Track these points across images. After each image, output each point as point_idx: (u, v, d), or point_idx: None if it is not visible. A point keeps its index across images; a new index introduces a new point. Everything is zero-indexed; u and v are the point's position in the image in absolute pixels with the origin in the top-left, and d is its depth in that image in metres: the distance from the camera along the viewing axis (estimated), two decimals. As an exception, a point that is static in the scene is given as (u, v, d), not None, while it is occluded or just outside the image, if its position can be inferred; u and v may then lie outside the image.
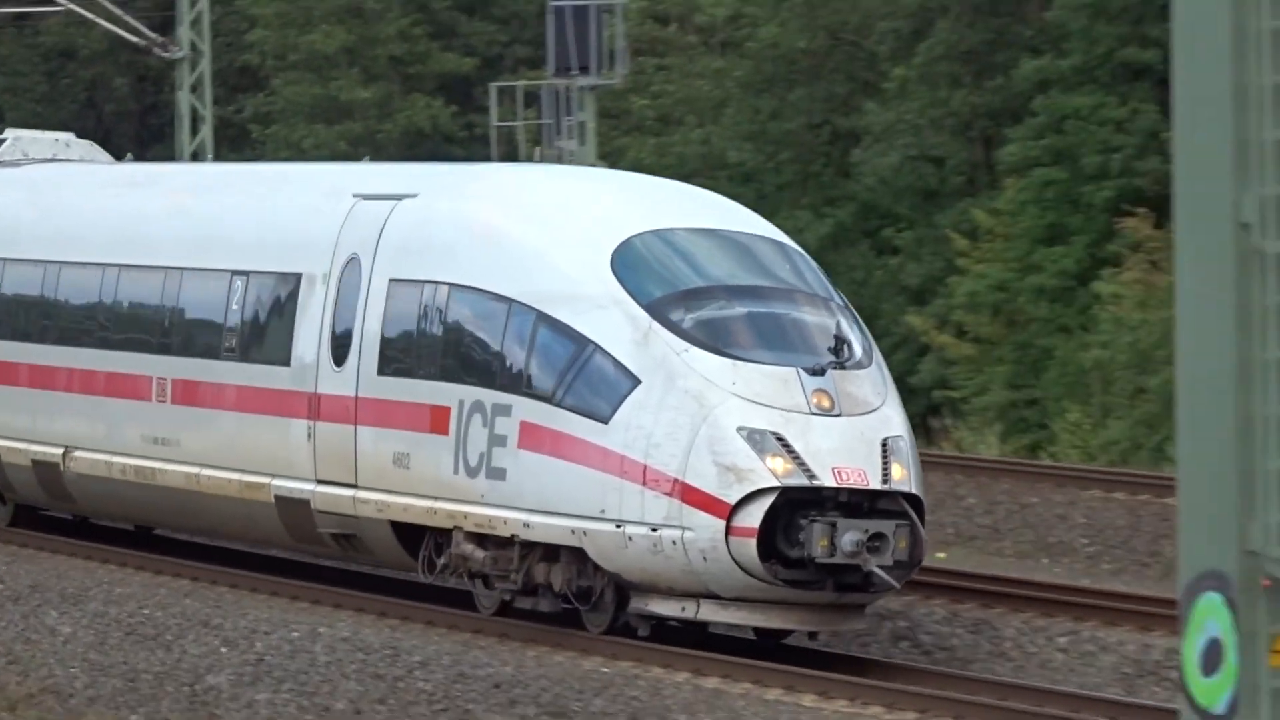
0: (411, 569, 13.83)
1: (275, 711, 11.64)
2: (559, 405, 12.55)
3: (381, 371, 13.56)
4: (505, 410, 12.65)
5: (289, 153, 42.46)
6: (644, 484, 12.08)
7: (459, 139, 46.37)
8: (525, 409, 12.59)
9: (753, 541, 11.88)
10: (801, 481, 12.01)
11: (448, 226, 14.05)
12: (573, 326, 12.78)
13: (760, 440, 12.12)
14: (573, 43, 32.00)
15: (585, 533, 12.33)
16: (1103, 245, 34.84)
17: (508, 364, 12.88)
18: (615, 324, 12.71)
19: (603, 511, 12.21)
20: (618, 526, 12.18)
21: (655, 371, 12.47)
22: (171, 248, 15.15)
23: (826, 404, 12.40)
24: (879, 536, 11.81)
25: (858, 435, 12.37)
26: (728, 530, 11.88)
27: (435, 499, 13.17)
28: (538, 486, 12.58)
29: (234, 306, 14.55)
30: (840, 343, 12.93)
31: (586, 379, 12.61)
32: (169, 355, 14.92)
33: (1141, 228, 32.63)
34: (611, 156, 37.36)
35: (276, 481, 14.09)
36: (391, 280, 13.71)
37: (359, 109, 46.01)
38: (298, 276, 14.17)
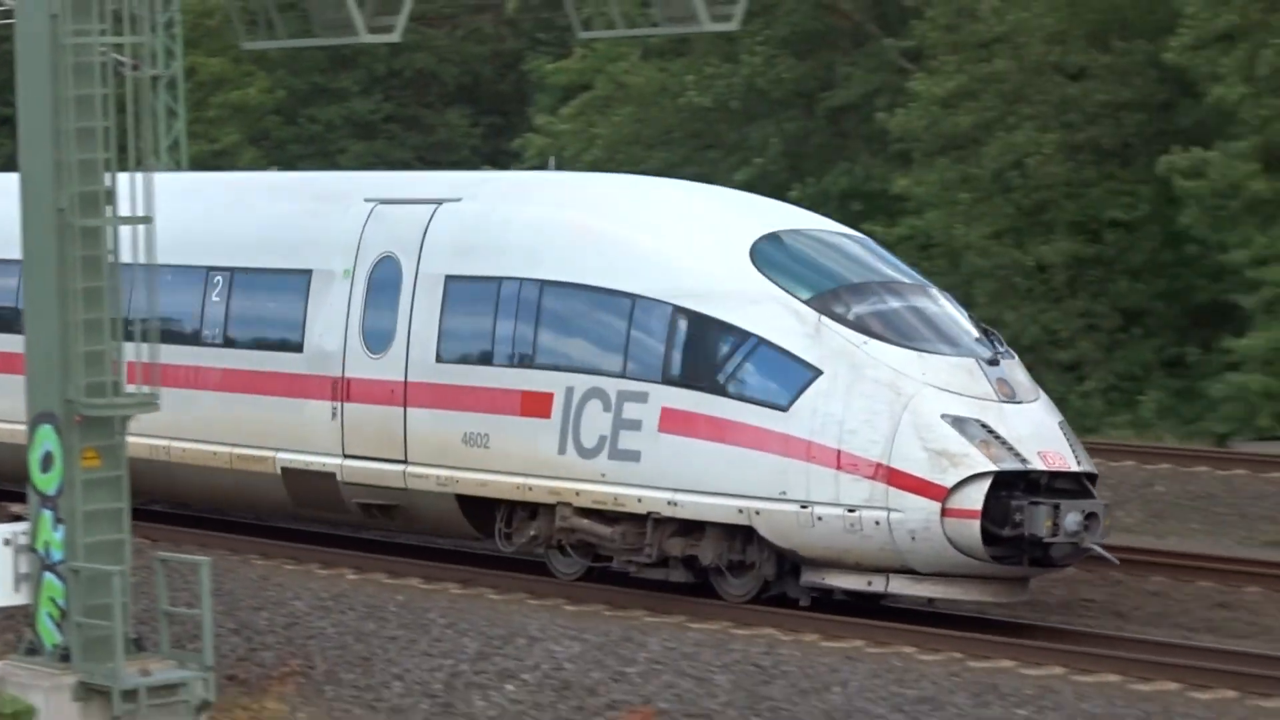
0: (469, 537, 15.28)
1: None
2: (717, 393, 13.45)
3: (442, 359, 14.74)
4: (640, 397, 13.66)
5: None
6: (838, 468, 13.02)
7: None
8: (668, 396, 13.57)
9: (975, 523, 12.82)
10: (1014, 465, 12.99)
11: (526, 228, 15.01)
12: (727, 321, 13.70)
13: (965, 427, 13.09)
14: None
15: (758, 512, 13.22)
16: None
17: (639, 354, 13.86)
18: (777, 318, 13.61)
19: (783, 493, 13.12)
20: (803, 507, 13.07)
21: (837, 362, 13.36)
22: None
23: (1008, 392, 13.57)
24: (1092, 515, 13.05)
25: (1041, 420, 13.60)
26: (943, 512, 12.81)
27: (528, 476, 14.15)
28: (687, 468, 13.50)
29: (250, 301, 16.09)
30: (989, 334, 14.40)
31: (753, 369, 13.57)
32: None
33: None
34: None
35: (288, 455, 15.50)
36: (449, 276, 14.83)
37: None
38: (308, 275, 15.46)
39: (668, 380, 13.79)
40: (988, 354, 13.89)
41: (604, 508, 13.91)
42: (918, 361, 13.56)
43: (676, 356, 13.84)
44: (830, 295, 13.99)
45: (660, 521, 13.71)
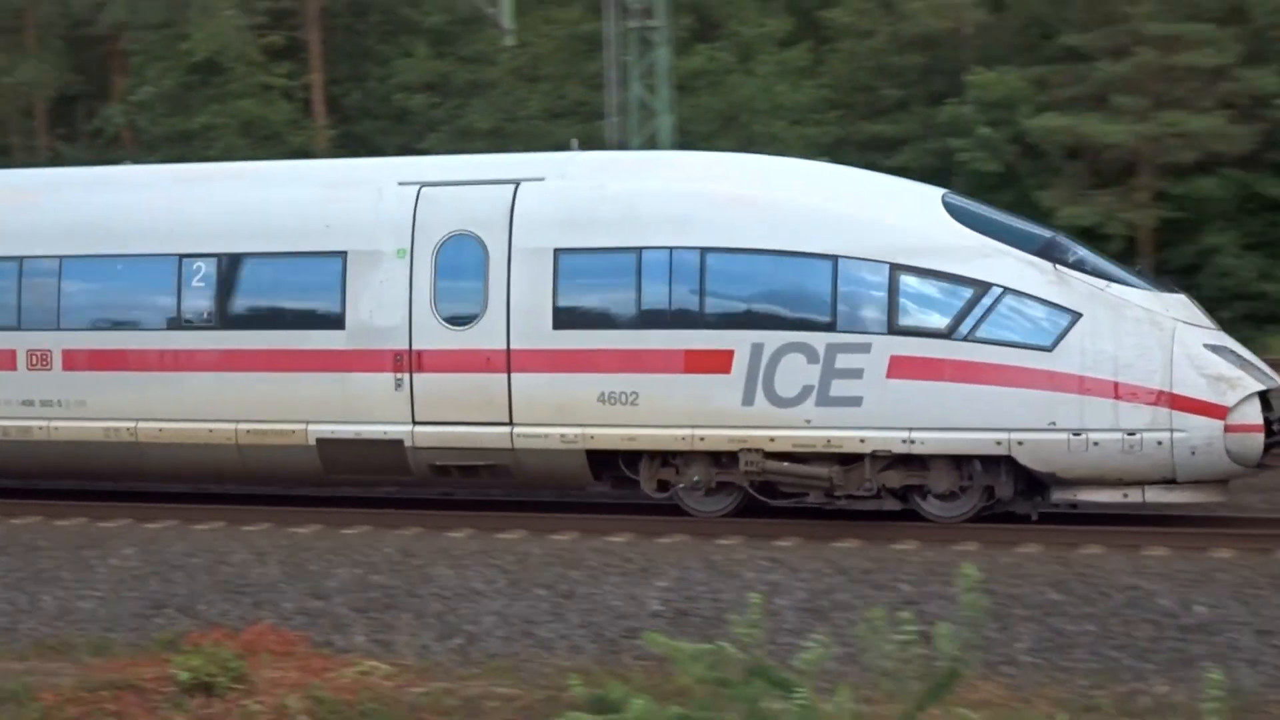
0: (581, 487, 16.72)
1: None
2: (963, 339, 14.77)
3: (562, 326, 15.64)
4: (861, 348, 14.89)
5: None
6: (1116, 397, 14.53)
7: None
8: (897, 345, 14.83)
9: (1259, 436, 14.41)
10: (1269, 384, 14.70)
11: (667, 200, 15.82)
12: (961, 274, 14.89)
13: (1223, 353, 14.71)
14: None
15: (1020, 442, 14.63)
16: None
17: (852, 309, 15.04)
18: (1014, 269, 14.86)
19: (1052, 423, 14.57)
20: (1075, 435, 14.56)
21: (1092, 304, 14.70)
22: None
23: (1212, 322, 15.43)
24: None
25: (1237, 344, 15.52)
26: (1226, 429, 14.35)
27: (697, 427, 15.28)
28: (925, 408, 14.79)
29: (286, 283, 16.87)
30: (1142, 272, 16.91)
31: (1005, 316, 14.82)
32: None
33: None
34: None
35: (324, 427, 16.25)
36: (559, 249, 15.67)
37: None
38: (343, 257, 16.24)
39: (895, 331, 14.90)
40: (1179, 289, 15.74)
41: (811, 450, 15.13)
42: (1157, 300, 14.92)
43: (904, 309, 14.95)
44: (1045, 246, 15.24)
45: (877, 458, 15.01)
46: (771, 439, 15.12)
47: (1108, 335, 14.66)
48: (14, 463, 17.41)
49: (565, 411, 15.58)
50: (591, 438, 15.55)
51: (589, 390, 15.52)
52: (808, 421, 15.04)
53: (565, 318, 15.68)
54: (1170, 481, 14.72)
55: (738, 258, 15.44)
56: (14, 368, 16.96)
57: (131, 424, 16.64)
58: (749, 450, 15.14)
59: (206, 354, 16.59)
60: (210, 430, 16.41)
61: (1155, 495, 14.85)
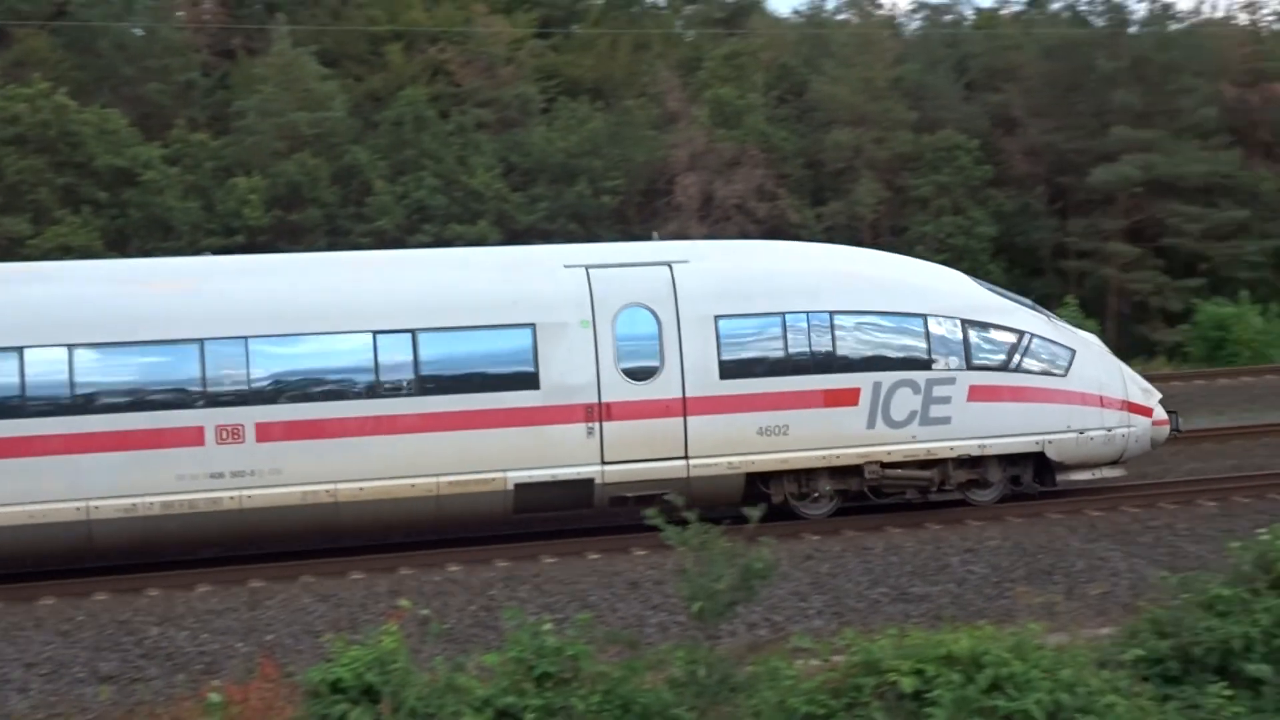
0: (737, 504, 17.88)
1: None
2: (1013, 370, 20.23)
3: (726, 376, 19.32)
4: (948, 381, 19.93)
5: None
6: (1101, 406, 20.56)
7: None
8: (973, 378, 20.02)
9: (1167, 427, 21.32)
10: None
11: (798, 276, 20.20)
12: (1007, 325, 20.40)
13: (1134, 374, 21.70)
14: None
15: (1050, 441, 20.34)
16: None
17: (941, 352, 20.00)
18: (1032, 320, 20.70)
19: (1068, 426, 20.40)
20: (1080, 433, 20.49)
21: (1076, 343, 20.93)
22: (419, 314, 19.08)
23: None
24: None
25: None
26: (1153, 423, 21.02)
27: (833, 449, 19.62)
28: (991, 422, 20.10)
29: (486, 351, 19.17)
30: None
31: (1036, 353, 20.42)
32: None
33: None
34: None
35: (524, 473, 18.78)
36: (718, 315, 19.44)
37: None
38: (531, 329, 18.94)
39: (971, 367, 20.05)
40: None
41: (912, 459, 19.89)
42: (1098, 338, 22.28)
43: (974, 350, 20.10)
44: (1034, 304, 21.74)
45: (957, 461, 20.11)
46: (889, 453, 19.77)
47: (1091, 364, 20.79)
48: (198, 533, 18.26)
49: (732, 444, 19.35)
50: (752, 463, 19.44)
51: (750, 426, 19.40)
52: (914, 438, 19.86)
53: (729, 369, 19.38)
54: (1115, 462, 20.95)
55: (857, 317, 19.93)
56: (201, 442, 17.83)
57: (331, 486, 18.16)
58: (871, 463, 19.76)
59: (407, 418, 18.41)
60: (413, 485, 18.36)
61: (1105, 472, 20.97)
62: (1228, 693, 13.47)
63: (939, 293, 20.57)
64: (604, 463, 19.01)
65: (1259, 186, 47.97)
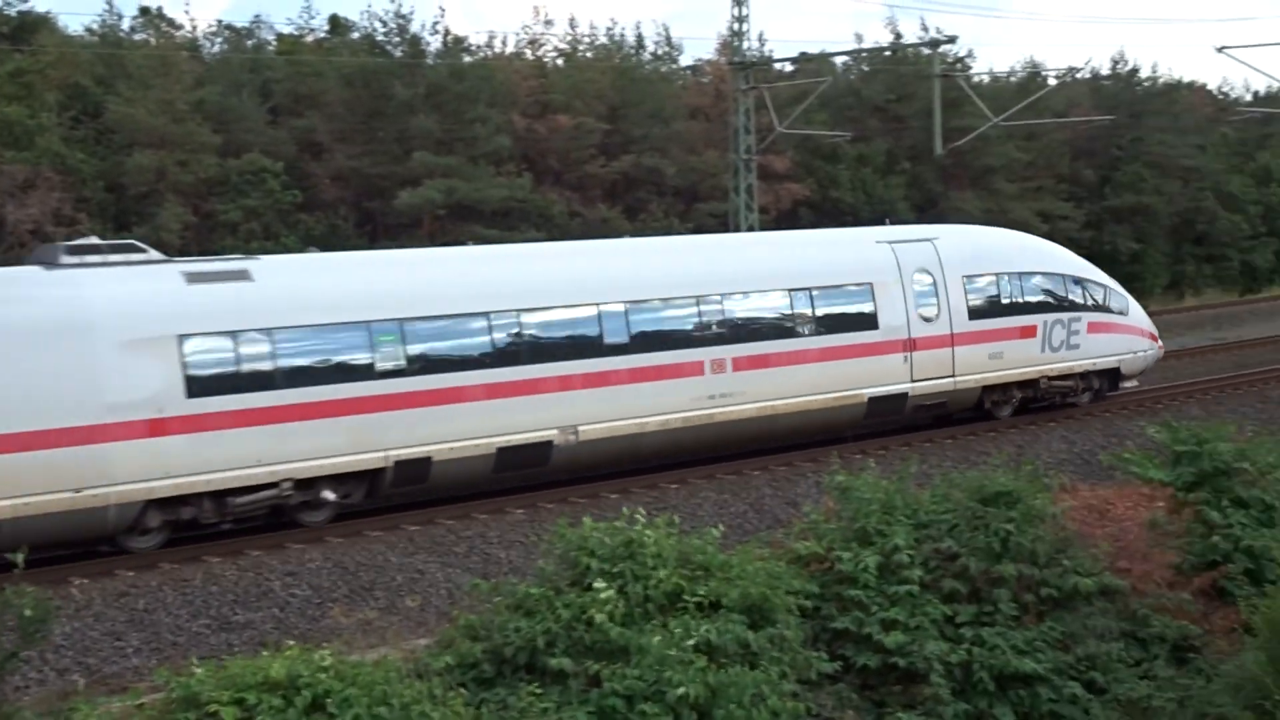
0: (970, 410, 27.81)
1: None
2: (1104, 312, 29.00)
3: (973, 318, 27.10)
4: (1078, 319, 28.49)
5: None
6: (1141, 335, 29.63)
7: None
8: (1090, 316, 28.71)
9: (1162, 349, 30.56)
10: None
11: (1004, 249, 28.96)
12: (1100, 281, 29.56)
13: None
14: None
15: (1122, 360, 29.17)
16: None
17: (1073, 300, 28.60)
18: (1102, 276, 29.88)
19: (1133, 351, 29.35)
20: (1135, 354, 29.38)
21: (1122, 290, 30.17)
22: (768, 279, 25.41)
23: None
24: None
25: None
26: (1160, 347, 30.25)
27: (1025, 368, 27.92)
28: (1097, 347, 28.80)
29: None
30: None
31: (1113, 300, 29.39)
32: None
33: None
34: None
35: (870, 390, 25.75)
36: (965, 276, 27.27)
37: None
38: (869, 286, 26.04)
39: (1087, 309, 28.83)
40: None
41: (1058, 374, 28.44)
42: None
43: (1088, 297, 28.92)
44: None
45: (1083, 375, 28.85)
46: (1053, 370, 28.35)
47: (1135, 306, 30.11)
48: (697, 440, 24.00)
49: (975, 366, 27.07)
50: (985, 379, 27.33)
51: (984, 353, 27.18)
52: (1063, 359, 28.43)
53: (973, 314, 27.08)
54: (1135, 376, 29.79)
55: (1034, 276, 28.41)
56: (702, 373, 23.67)
57: (773, 403, 24.43)
58: (1043, 377, 28.25)
59: (810, 352, 25.03)
60: (814, 400, 24.94)
61: (1133, 383, 29.82)
62: (537, 689, 14.25)
63: (1069, 260, 29.66)
64: (913, 380, 26.31)
65: (551, 210, 51.10)
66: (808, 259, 26.14)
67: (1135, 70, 74.42)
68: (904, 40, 62.83)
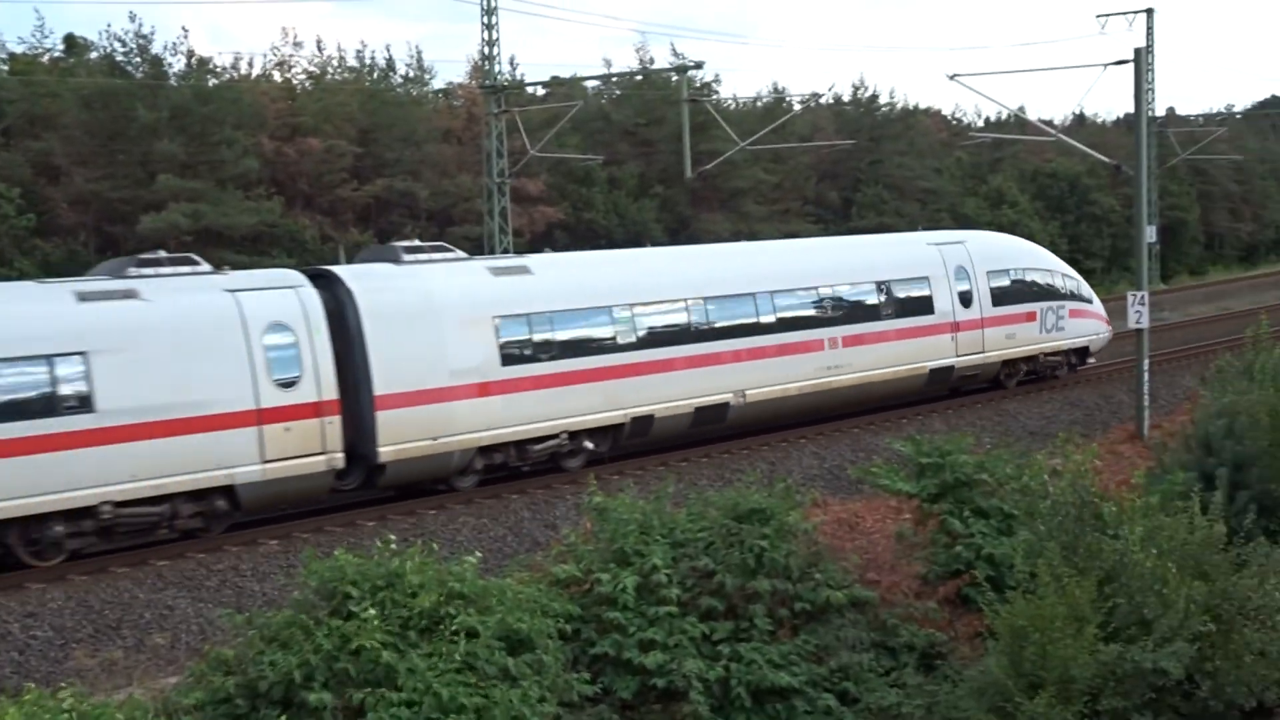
0: (992, 381, 33.95)
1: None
2: (1081, 300, 35.21)
3: (995, 305, 32.94)
4: (1062, 308, 34.38)
5: None
6: (1102, 320, 36.29)
7: None
8: (1071, 304, 34.73)
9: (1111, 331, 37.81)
10: None
11: (1012, 251, 35.40)
12: (1074, 276, 35.77)
13: None
14: None
15: (1090, 341, 35.51)
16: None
17: (1057, 292, 34.51)
18: (1077, 276, 36.19)
19: (1095, 332, 35.67)
20: (1097, 336, 35.81)
21: (1090, 290, 36.78)
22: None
23: None
24: None
25: None
26: (1110, 330, 37.15)
27: (1029, 345, 33.99)
28: (1076, 330, 34.90)
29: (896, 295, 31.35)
30: None
31: (1083, 290, 35.69)
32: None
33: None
34: None
35: (929, 364, 31.72)
36: (989, 271, 33.16)
37: None
38: (927, 279, 31.90)
39: (1069, 299, 34.83)
40: None
41: (1050, 351, 34.62)
42: None
43: (1068, 290, 34.83)
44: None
45: (1063, 353, 35.00)
46: (1048, 349, 34.47)
47: (1095, 297, 36.33)
48: (817, 404, 29.64)
49: (997, 344, 33.08)
50: (1003, 355, 33.41)
51: (1003, 333, 33.15)
52: (1053, 340, 34.42)
53: (995, 302, 32.93)
54: (1095, 354, 36.20)
55: (1031, 273, 34.30)
56: (823, 349, 29.28)
57: (869, 374, 30.26)
58: (1043, 354, 34.44)
59: (889, 332, 30.76)
60: (892, 372, 30.86)
61: (1090, 360, 36.12)
62: (292, 725, 13.92)
63: (1053, 259, 36.08)
64: (957, 356, 32.21)
65: (303, 235, 50.25)
66: (886, 256, 32.22)
67: (875, 96, 77.03)
68: (654, 65, 63.76)
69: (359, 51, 72.20)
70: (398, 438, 22.63)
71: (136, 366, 19.84)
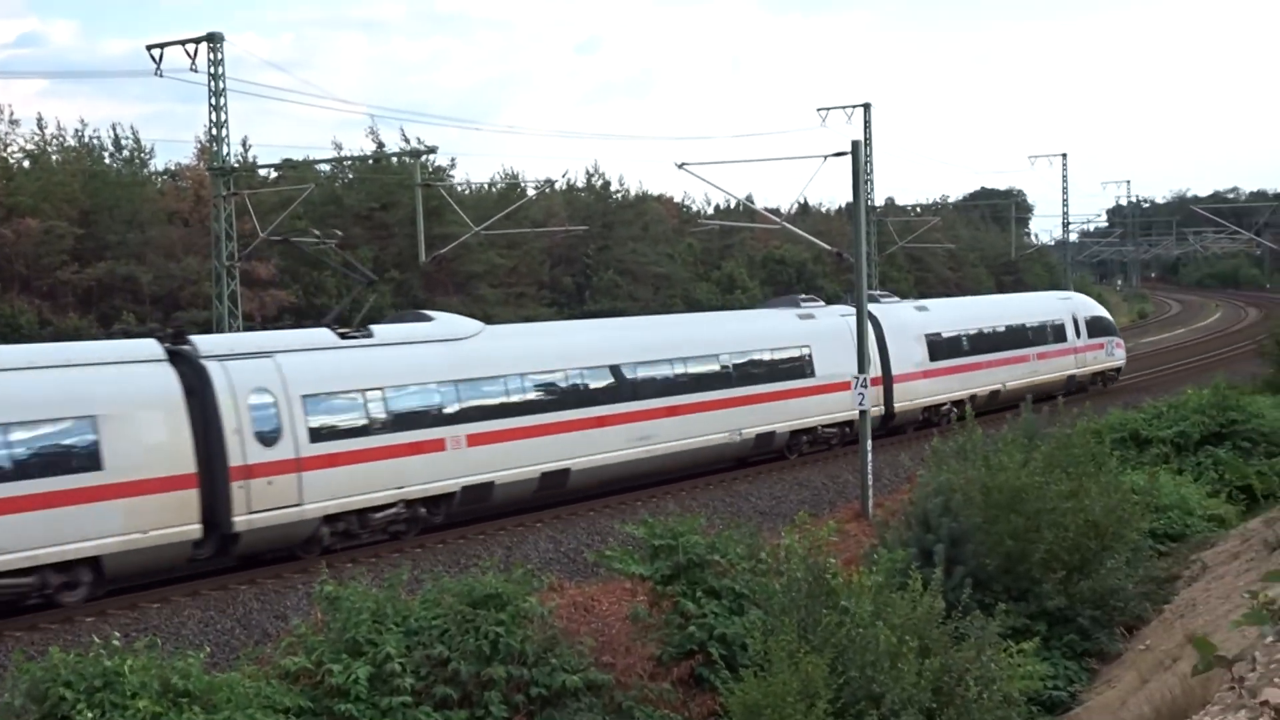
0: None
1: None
2: (1116, 334, 55.08)
3: (1089, 337, 52.03)
4: (1113, 340, 53.57)
5: None
6: (1123, 349, 57.69)
7: None
8: (1115, 338, 54.33)
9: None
10: None
11: (1084, 301, 55.28)
12: (1111, 319, 56.55)
13: None
14: None
15: (1080, 367, 51.07)
16: None
17: (1108, 328, 53.94)
18: (1111, 317, 60.51)
19: (1123, 358, 55.81)
20: (1123, 360, 56.24)
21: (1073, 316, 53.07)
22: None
23: None
24: None
25: None
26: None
27: (1098, 366, 52.61)
28: (1118, 355, 54.87)
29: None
30: None
31: (1115, 329, 55.68)
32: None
33: None
34: None
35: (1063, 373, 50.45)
36: (1082, 318, 52.19)
37: None
38: (1063, 322, 51.41)
39: (1114, 334, 54.02)
40: None
41: (1108, 369, 52.95)
42: None
43: (1112, 328, 55.11)
44: None
45: (1112, 369, 53.58)
46: (1103, 367, 52.93)
47: (1082, 332, 51.42)
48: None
49: (1087, 364, 51.49)
50: (1088, 371, 51.70)
51: (1091, 357, 51.89)
52: (1107, 362, 52.76)
53: (1088, 335, 51.73)
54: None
55: (1099, 316, 53.12)
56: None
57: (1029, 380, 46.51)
58: (1101, 371, 52.67)
59: (1041, 353, 48.66)
60: (1046, 378, 47.34)
61: (1117, 379, 54.27)
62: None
63: (1101, 307, 52.08)
64: (1075, 370, 50.72)
65: (20, 319, 48.27)
66: (1037, 307, 50.46)
67: (608, 183, 78.38)
68: (386, 149, 63.60)
69: (78, 130, 70.05)
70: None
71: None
